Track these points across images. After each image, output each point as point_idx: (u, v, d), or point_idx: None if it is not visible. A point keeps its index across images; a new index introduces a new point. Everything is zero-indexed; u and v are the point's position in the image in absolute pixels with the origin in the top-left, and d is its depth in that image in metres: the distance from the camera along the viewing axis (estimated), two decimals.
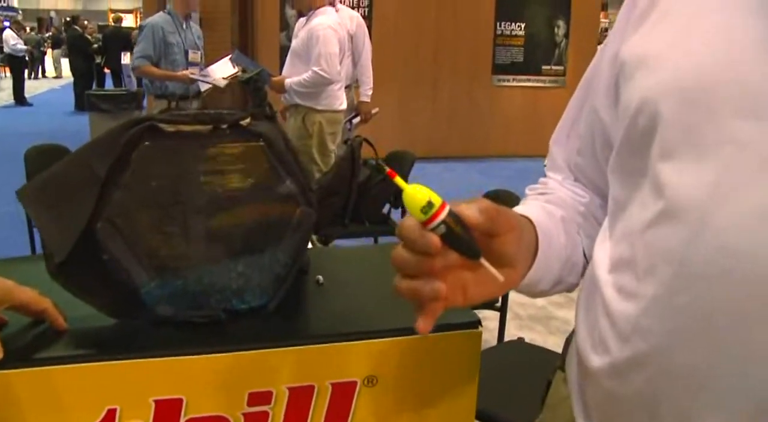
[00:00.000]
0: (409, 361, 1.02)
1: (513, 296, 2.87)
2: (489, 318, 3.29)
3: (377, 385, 1.00)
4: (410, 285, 0.63)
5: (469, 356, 1.04)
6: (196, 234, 0.98)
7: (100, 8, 34.62)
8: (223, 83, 4.81)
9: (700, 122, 0.62)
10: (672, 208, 0.62)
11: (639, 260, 0.66)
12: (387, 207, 3.77)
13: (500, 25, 8.15)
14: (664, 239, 0.63)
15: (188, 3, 5.10)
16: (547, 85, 8.16)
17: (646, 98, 0.67)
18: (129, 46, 12.79)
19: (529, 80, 8.09)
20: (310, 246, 1.35)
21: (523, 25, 8.20)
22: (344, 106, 4.59)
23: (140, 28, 5.27)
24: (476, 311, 3.43)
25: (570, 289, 0.87)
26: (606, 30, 21.49)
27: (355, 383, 0.99)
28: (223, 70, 4.98)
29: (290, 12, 7.37)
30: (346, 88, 4.78)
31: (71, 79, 14.98)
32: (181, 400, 0.93)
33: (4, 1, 28.87)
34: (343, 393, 0.99)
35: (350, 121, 4.96)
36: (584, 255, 0.86)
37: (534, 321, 3.79)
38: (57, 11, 35.67)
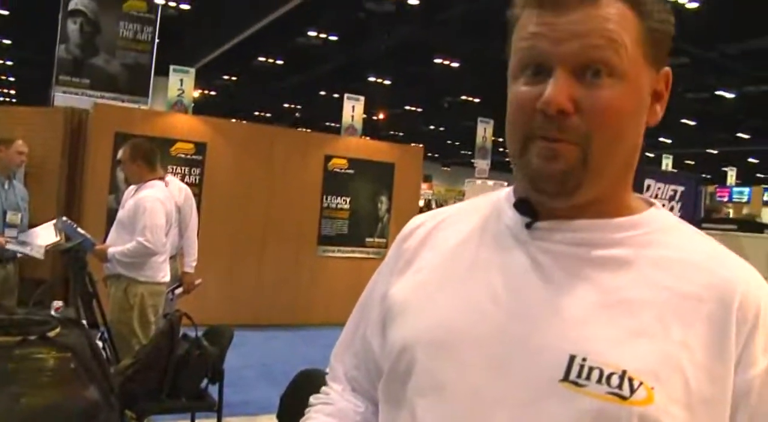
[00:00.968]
0: None
1: None
2: None
3: None
4: None
5: None
6: None
7: None
8: (41, 254, 4.71)
9: (446, 370, 0.83)
10: None
11: None
12: (205, 382, 3.76)
13: (326, 199, 8.57)
14: None
15: (8, 164, 5.04)
16: (371, 256, 8.54)
17: (405, 345, 0.88)
18: None
19: (353, 251, 8.43)
20: None
21: (348, 199, 8.68)
22: (167, 278, 4.58)
23: None
24: None
25: None
26: (429, 202, 23.02)
27: None
28: (45, 236, 4.87)
29: (121, 176, 7.38)
30: (170, 258, 4.80)
31: None
32: None
33: None
34: None
35: (173, 291, 4.96)
36: None
37: None
38: None
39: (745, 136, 22.21)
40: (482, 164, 12.99)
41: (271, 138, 8.51)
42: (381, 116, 22.20)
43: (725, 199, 21.70)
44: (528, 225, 0.87)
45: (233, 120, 16.63)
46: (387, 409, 0.92)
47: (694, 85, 15.81)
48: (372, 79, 17.52)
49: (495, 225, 0.92)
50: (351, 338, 1.07)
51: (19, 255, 4.90)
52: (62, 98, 8.48)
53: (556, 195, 0.82)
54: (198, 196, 7.11)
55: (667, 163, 16.30)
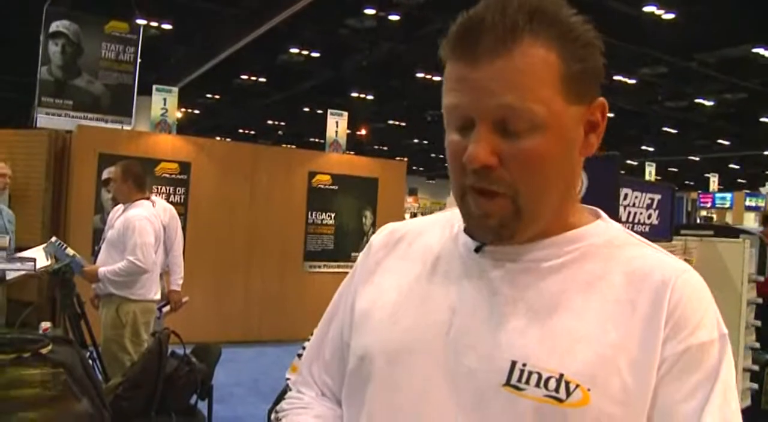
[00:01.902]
0: None
1: None
2: None
3: None
4: None
5: None
6: None
7: None
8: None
9: (400, 376, 0.90)
10: None
11: None
12: (194, 398, 3.78)
13: (311, 215, 8.63)
14: None
15: None
16: None
17: (365, 352, 0.96)
18: None
19: (339, 266, 8.45)
20: None
21: (333, 215, 8.74)
22: (158, 295, 4.65)
23: None
24: None
25: None
26: (415, 215, 23.10)
27: None
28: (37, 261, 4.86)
29: (106, 196, 7.39)
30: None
31: None
32: None
33: None
34: None
35: (160, 309, 4.98)
36: None
37: None
38: None
39: (725, 143, 22.46)
40: None
41: (255, 155, 8.58)
42: (364, 131, 22.28)
43: (708, 205, 21.94)
44: (477, 250, 0.94)
45: (217, 138, 16.69)
46: (349, 411, 1.00)
47: (674, 94, 16.02)
48: (355, 94, 17.59)
49: (451, 243, 0.99)
50: (320, 345, 1.12)
51: (8, 277, 4.89)
52: (45, 120, 8.49)
53: (494, 243, 0.91)
54: (183, 215, 7.15)
55: (650, 170, 16.47)
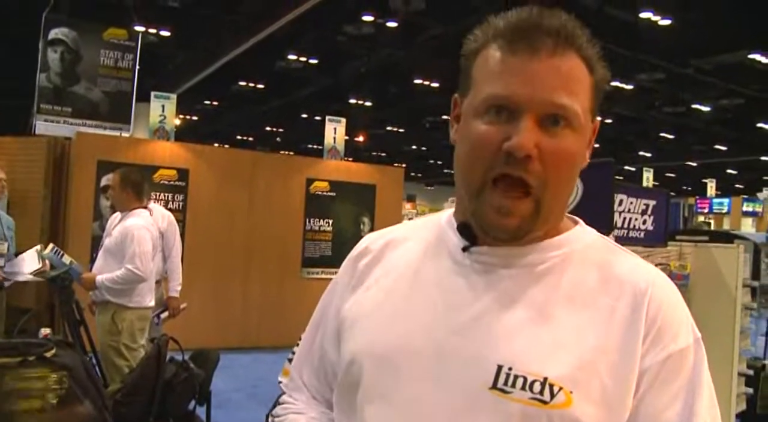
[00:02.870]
0: None
1: None
2: None
3: None
4: None
5: None
6: None
7: None
8: (29, 278, 4.73)
9: (389, 381, 0.92)
10: None
11: None
12: (192, 404, 3.80)
13: (309, 221, 8.66)
14: None
15: None
16: None
17: (354, 358, 0.98)
18: None
19: (337, 273, 8.38)
20: None
21: (330, 222, 8.76)
22: (152, 302, 4.66)
23: None
24: None
25: None
26: (411, 219, 23.08)
27: None
28: (30, 264, 4.90)
29: (104, 202, 7.42)
30: (155, 283, 4.86)
31: None
32: None
33: None
34: None
35: (158, 315, 5.01)
36: None
37: None
38: None
39: (722, 148, 22.52)
40: None
41: (253, 162, 8.61)
42: (363, 137, 22.30)
43: (706, 210, 21.98)
44: (465, 249, 0.97)
45: (215, 145, 16.70)
46: (340, 416, 1.02)
47: (671, 100, 16.07)
48: (353, 100, 17.63)
49: (437, 247, 1.02)
50: (308, 350, 1.15)
51: (7, 284, 4.91)
52: (43, 126, 8.50)
53: (508, 242, 0.93)
54: (182, 222, 7.17)
55: (647, 176, 16.50)
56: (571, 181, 0.93)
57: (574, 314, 0.90)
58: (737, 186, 32.33)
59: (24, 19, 9.86)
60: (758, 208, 21.58)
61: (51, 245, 4.69)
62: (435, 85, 15.00)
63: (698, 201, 22.83)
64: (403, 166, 10.25)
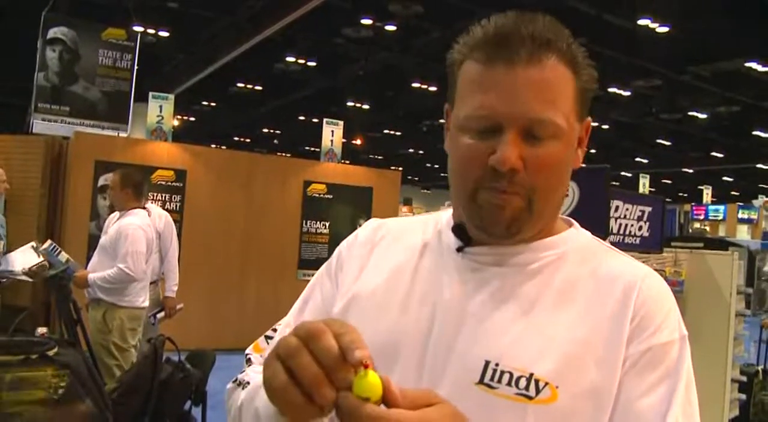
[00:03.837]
0: None
1: None
2: None
3: None
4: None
5: None
6: None
7: None
8: (21, 277, 4.72)
9: (383, 372, 0.91)
10: None
11: None
12: (188, 404, 3.80)
13: (306, 223, 8.68)
14: None
15: None
16: None
17: None
18: None
19: None
20: None
21: (327, 224, 8.78)
22: (146, 303, 4.66)
23: None
24: None
25: None
26: None
27: None
28: (24, 259, 4.88)
29: (102, 202, 7.42)
30: (152, 283, 4.87)
31: None
32: None
33: None
34: None
35: (155, 315, 5.01)
36: None
37: None
38: None
39: (719, 155, 22.59)
40: None
41: (251, 164, 8.63)
42: (360, 141, 22.32)
43: (701, 217, 22.03)
44: (459, 249, 0.99)
45: (212, 146, 16.69)
46: None
47: (668, 106, 16.12)
48: (350, 103, 17.65)
49: (436, 244, 1.04)
50: (297, 320, 1.10)
51: (3, 281, 4.89)
52: (41, 126, 8.49)
53: (502, 237, 0.95)
54: (179, 223, 7.16)
55: (644, 182, 16.54)
56: (561, 185, 0.95)
57: (564, 310, 0.92)
58: (733, 193, 32.40)
59: (23, 18, 9.86)
60: (753, 216, 21.64)
61: (48, 241, 4.69)
62: (433, 88, 15.02)
63: (694, 207, 22.91)
64: (400, 169, 10.24)
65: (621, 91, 14.56)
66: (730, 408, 3.45)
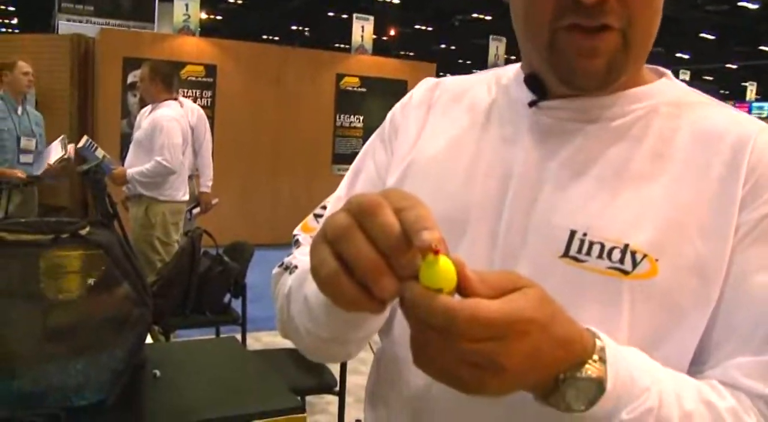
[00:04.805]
0: None
1: (353, 378, 2.99)
2: (332, 402, 3.39)
3: None
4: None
5: None
6: (32, 335, 1.04)
7: None
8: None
9: (454, 244, 0.77)
10: None
11: None
12: (228, 297, 3.81)
13: (339, 117, 8.55)
14: None
15: (16, 87, 4.94)
16: None
17: None
18: None
19: None
20: (149, 340, 1.42)
21: (361, 118, 8.64)
22: (186, 196, 4.63)
23: None
24: (317, 396, 3.56)
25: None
26: None
27: None
28: (54, 153, 4.89)
29: (132, 100, 7.35)
30: (188, 178, 4.82)
31: None
32: None
33: None
34: None
35: (190, 211, 4.99)
36: None
37: None
38: None
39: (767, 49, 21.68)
40: None
41: (282, 58, 8.42)
42: (392, 34, 21.80)
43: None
44: (533, 104, 0.83)
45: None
46: None
47: None
48: None
49: (503, 101, 0.88)
50: (347, 193, 0.99)
51: (39, 173, 4.89)
52: (66, 26, 8.35)
53: (597, 89, 0.79)
54: (210, 118, 7.05)
55: (684, 78, 15.98)
56: (657, 15, 0.77)
57: (660, 171, 0.77)
58: None
59: None
60: None
61: (85, 137, 4.64)
62: None
63: (737, 105, 22.27)
64: (434, 63, 9.98)
65: None
66: None
